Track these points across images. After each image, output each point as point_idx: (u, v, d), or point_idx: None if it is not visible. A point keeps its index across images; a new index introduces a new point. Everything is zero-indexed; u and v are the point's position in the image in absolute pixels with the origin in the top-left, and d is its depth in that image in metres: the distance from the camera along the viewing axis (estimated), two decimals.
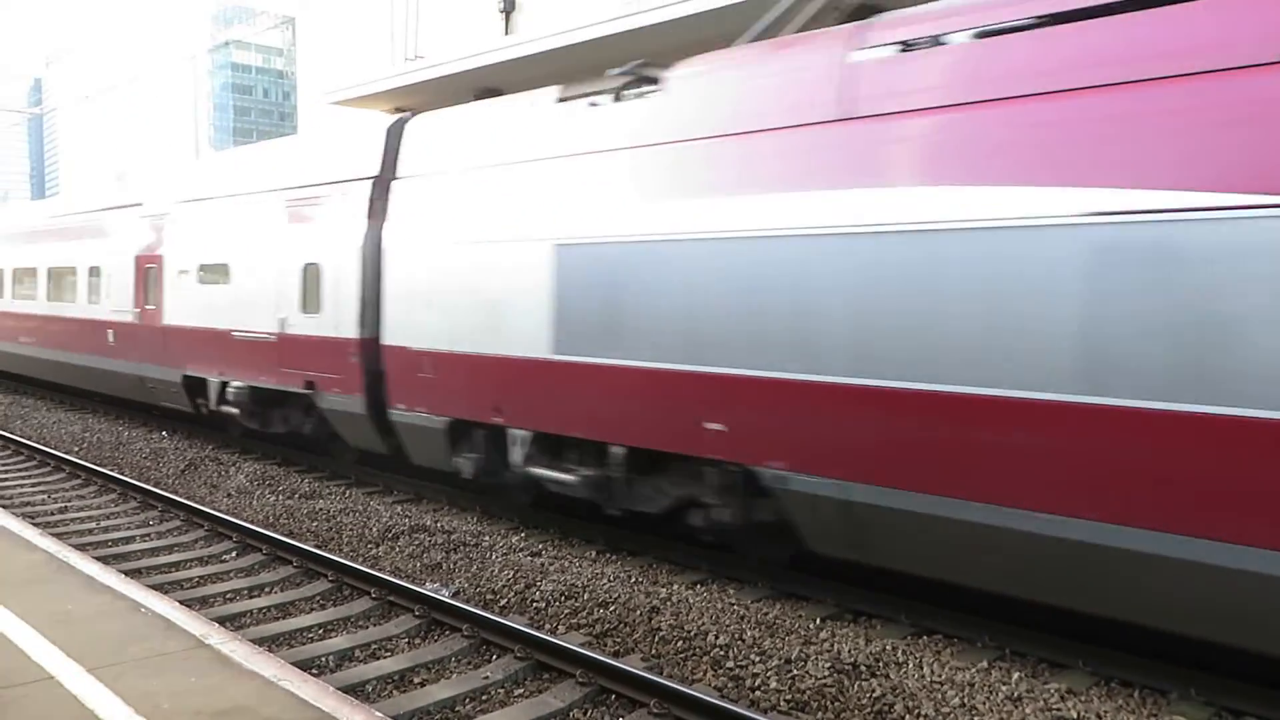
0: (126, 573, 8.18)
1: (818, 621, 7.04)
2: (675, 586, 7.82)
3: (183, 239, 14.37)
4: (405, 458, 10.97)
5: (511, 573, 8.16)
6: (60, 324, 17.93)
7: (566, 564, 8.46)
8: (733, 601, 7.43)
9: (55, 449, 13.59)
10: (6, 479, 12.24)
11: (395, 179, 10.95)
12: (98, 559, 8.34)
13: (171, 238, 14.65)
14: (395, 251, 10.68)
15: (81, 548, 8.89)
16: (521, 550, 8.89)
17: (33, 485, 11.94)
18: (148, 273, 15.10)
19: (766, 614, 7.12)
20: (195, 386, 14.06)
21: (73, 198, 24.63)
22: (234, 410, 13.08)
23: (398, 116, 12.05)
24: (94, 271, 16.74)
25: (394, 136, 11.20)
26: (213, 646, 4.68)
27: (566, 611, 7.34)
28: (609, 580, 7.95)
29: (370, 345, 10.85)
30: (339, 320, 11.17)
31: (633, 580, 8.00)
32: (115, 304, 15.89)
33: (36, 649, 4.58)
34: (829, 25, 8.30)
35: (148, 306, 14.97)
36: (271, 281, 12.18)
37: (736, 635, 6.63)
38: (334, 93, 24.32)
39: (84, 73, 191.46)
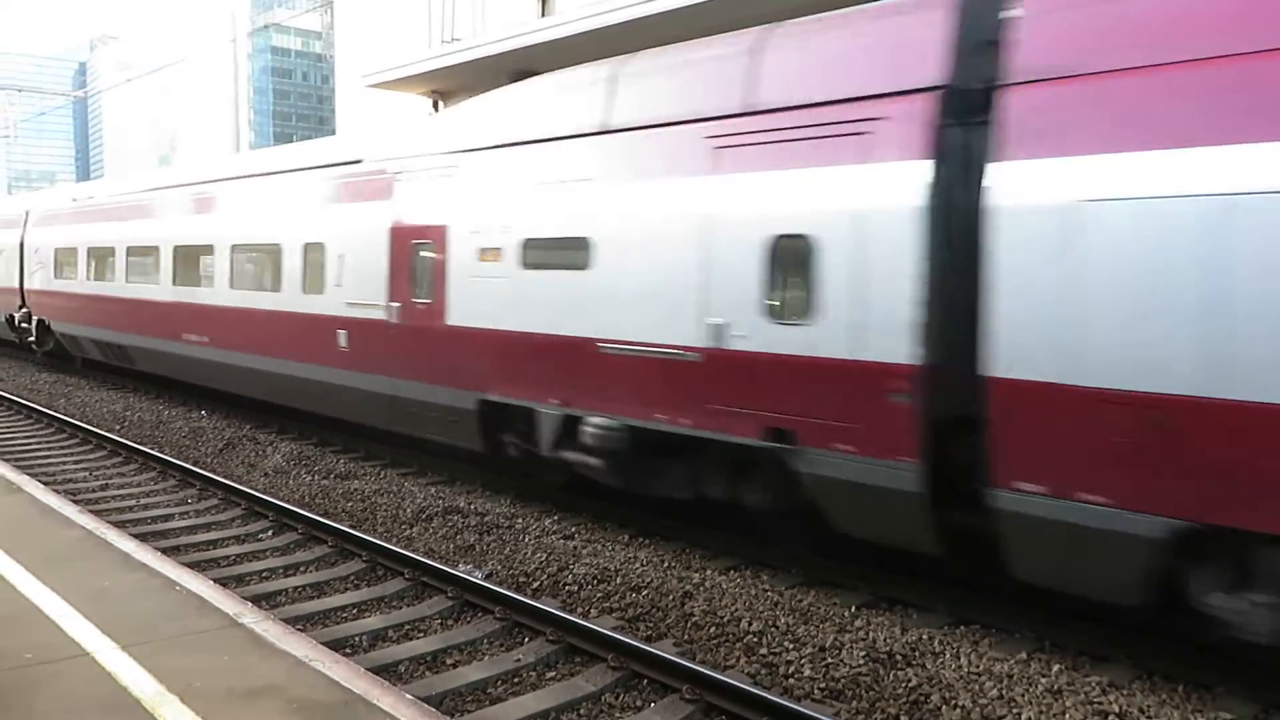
0: (164, 550, 8.27)
1: (852, 609, 6.95)
2: (708, 572, 7.76)
3: (487, 204, 9.83)
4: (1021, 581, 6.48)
5: (544, 555, 8.14)
6: (252, 320, 13.57)
7: (599, 548, 8.43)
8: (766, 588, 7.36)
9: (97, 427, 13.78)
10: (51, 456, 12.43)
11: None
12: (136, 536, 8.48)
13: (462, 202, 10.14)
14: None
15: (120, 525, 8.99)
16: (555, 533, 8.87)
17: (75, 463, 12.12)
18: (414, 253, 10.69)
19: (800, 601, 7.04)
20: (498, 417, 9.86)
21: (214, 160, 23.37)
22: (591, 460, 8.80)
23: None
24: (313, 250, 12.36)
25: None
26: (246, 625, 4.69)
27: (599, 595, 7.31)
28: (642, 565, 7.92)
29: (944, 377, 6.48)
30: (868, 332, 6.75)
31: (666, 565, 7.95)
32: (352, 294, 11.52)
33: (73, 625, 4.62)
34: None
35: (416, 300, 10.56)
36: (697, 266, 7.81)
37: (770, 622, 6.56)
38: (371, 76, 24.39)
39: (127, 57, 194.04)
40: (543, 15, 20.76)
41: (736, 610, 6.79)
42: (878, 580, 7.51)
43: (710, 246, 7.75)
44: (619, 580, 7.51)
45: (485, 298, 9.74)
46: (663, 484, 8.63)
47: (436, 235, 10.39)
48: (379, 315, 11.12)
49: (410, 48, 24.74)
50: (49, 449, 12.95)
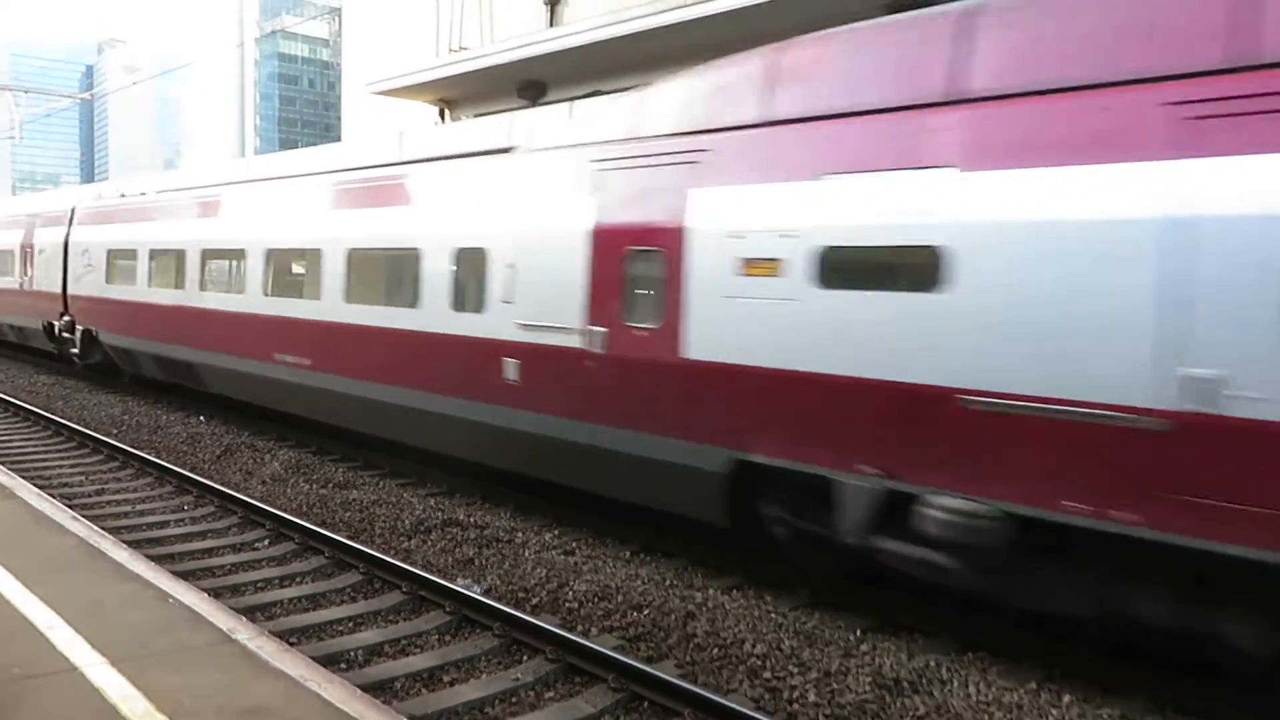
0: (159, 558, 8.15)
1: (858, 633, 6.82)
2: (711, 591, 7.63)
3: (756, 201, 7.40)
4: None
5: (544, 571, 8.02)
6: (374, 341, 11.22)
7: (600, 564, 8.31)
8: (770, 609, 7.23)
9: (95, 431, 13.65)
10: (48, 460, 12.31)
11: None
12: (131, 543, 8.34)
13: (712, 197, 7.70)
14: None
15: (116, 531, 8.89)
16: (555, 548, 8.74)
17: (71, 466, 11.99)
18: (629, 263, 8.32)
19: (805, 623, 6.91)
20: (760, 484, 7.49)
21: (311, 151, 21.16)
22: (935, 556, 6.28)
23: None
24: (468, 258, 10.00)
25: None
26: (239, 642, 4.57)
27: (599, 613, 7.18)
28: (643, 582, 7.79)
29: None
30: None
31: (667, 583, 7.82)
32: (527, 314, 9.17)
33: (62, 638, 4.50)
34: None
35: (632, 324, 8.22)
36: (1165, 290, 5.39)
37: (774, 644, 6.43)
38: (377, 84, 24.39)
39: (134, 60, 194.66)
40: (551, 25, 20.75)
41: (740, 631, 6.67)
42: (884, 603, 7.38)
43: (1184, 260, 5.29)
44: (620, 598, 7.38)
45: (750, 324, 7.28)
46: (1064, 597, 6.09)
47: (668, 240, 7.90)
48: (570, 342, 8.62)
49: (417, 56, 24.75)
50: (45, 452, 12.83)
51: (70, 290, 19.28)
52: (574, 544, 8.89)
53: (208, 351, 14.57)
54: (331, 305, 11.91)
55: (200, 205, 15.59)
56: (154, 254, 16.37)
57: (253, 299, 13.45)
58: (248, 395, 14.26)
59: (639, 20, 15.53)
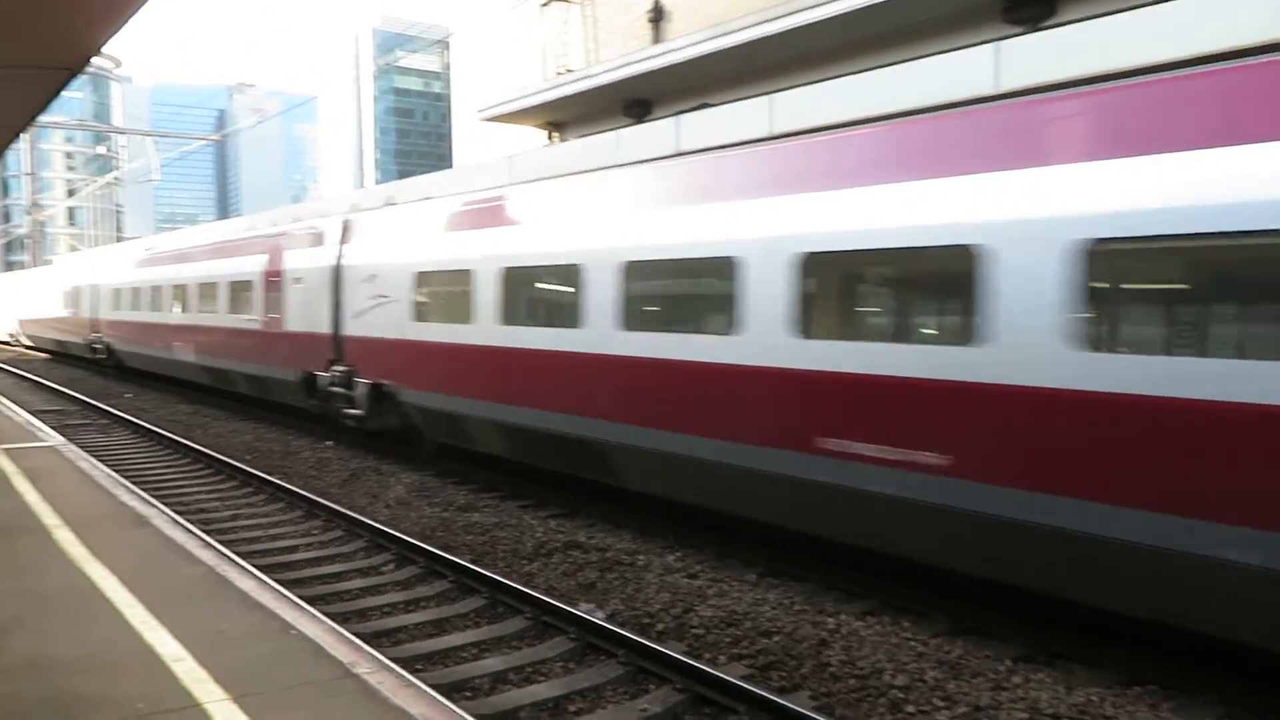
0: (289, 582, 8.29)
1: (1008, 664, 6.36)
2: (843, 617, 7.27)
3: None
4: None
5: (668, 595, 7.80)
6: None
7: (726, 587, 8.03)
8: (909, 636, 6.83)
9: (229, 457, 14.13)
10: (187, 486, 12.77)
11: None
12: (264, 567, 8.52)
13: None
14: None
15: (249, 555, 9.09)
16: (678, 571, 8.52)
17: (208, 492, 12.41)
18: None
19: (948, 652, 6.49)
20: None
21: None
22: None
23: None
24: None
25: None
26: (359, 676, 4.49)
27: (727, 640, 6.92)
28: (771, 607, 7.49)
29: None
30: None
31: (797, 608, 7.50)
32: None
33: (187, 671, 4.50)
34: None
35: None
36: None
37: (916, 675, 6.04)
38: (485, 110, 24.83)
39: (262, 102, 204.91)
40: (655, 42, 20.73)
41: (877, 661, 6.30)
42: (1033, 630, 6.89)
43: None
44: (748, 624, 7.10)
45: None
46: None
47: None
48: None
49: (524, 82, 25.11)
50: (185, 479, 13.32)
51: (347, 331, 14.71)
52: (697, 567, 8.65)
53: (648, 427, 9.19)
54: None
55: (617, 200, 9.92)
56: (510, 275, 11.11)
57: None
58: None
59: (745, 32, 15.31)
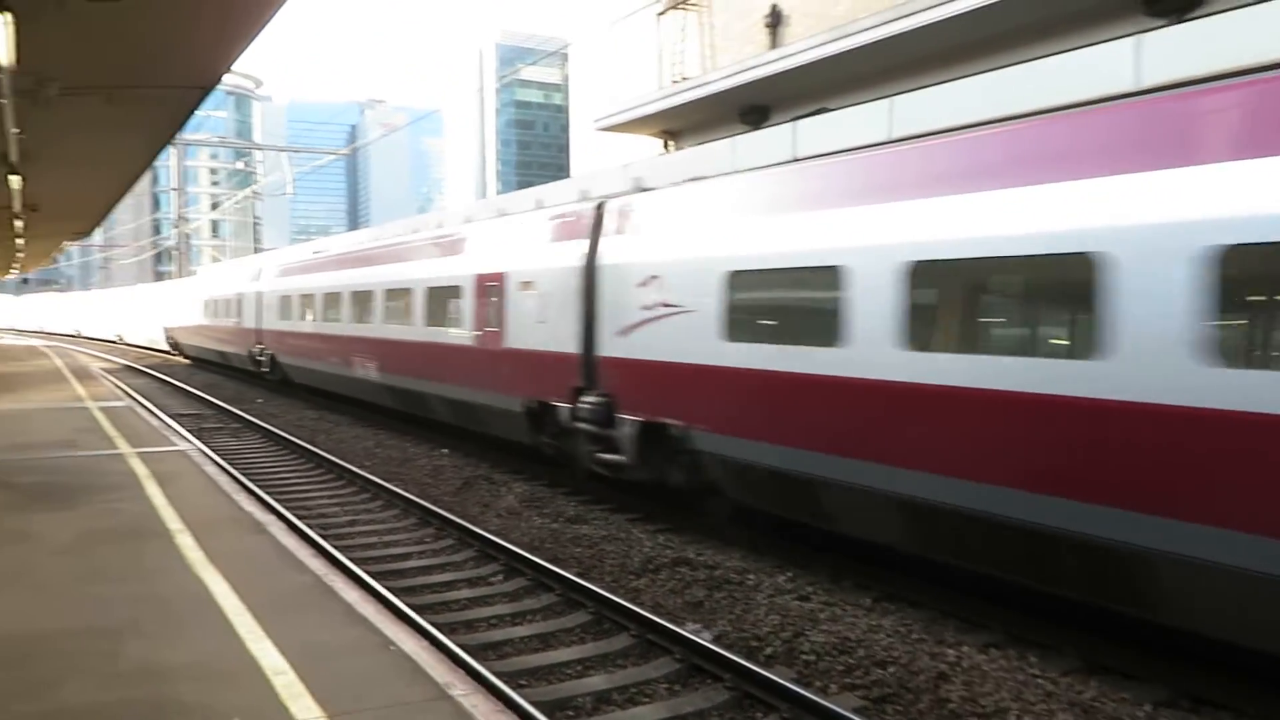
0: (400, 590, 8.38)
1: (1148, 709, 5.85)
2: (965, 648, 6.85)
3: None
4: None
5: (778, 618, 7.53)
6: None
7: (838, 612, 7.71)
8: (1036, 673, 6.37)
9: (349, 463, 14.49)
10: (309, 490, 13.15)
11: None
12: (375, 574, 8.65)
13: None
14: None
15: (363, 561, 9.25)
16: (789, 592, 8.22)
17: (329, 497, 12.74)
18: None
19: (1081, 693, 6.02)
20: None
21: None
22: None
23: None
24: None
25: None
26: (454, 699, 4.42)
27: (839, 668, 6.61)
28: (887, 634, 7.13)
29: None
30: None
31: (914, 636, 7.11)
32: None
33: (285, 686, 4.51)
34: None
35: None
36: None
37: (1044, 718, 5.62)
38: (601, 120, 24.97)
39: (391, 117, 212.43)
40: (772, 47, 20.44)
41: (1001, 699, 5.89)
42: (1176, 671, 6.34)
43: None
44: (861, 652, 6.77)
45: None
46: None
47: None
48: None
49: (640, 90, 25.14)
50: (307, 484, 13.72)
51: (605, 350, 11.18)
52: (809, 588, 8.33)
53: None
54: None
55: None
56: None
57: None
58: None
59: (867, 34, 14.89)
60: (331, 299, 20.94)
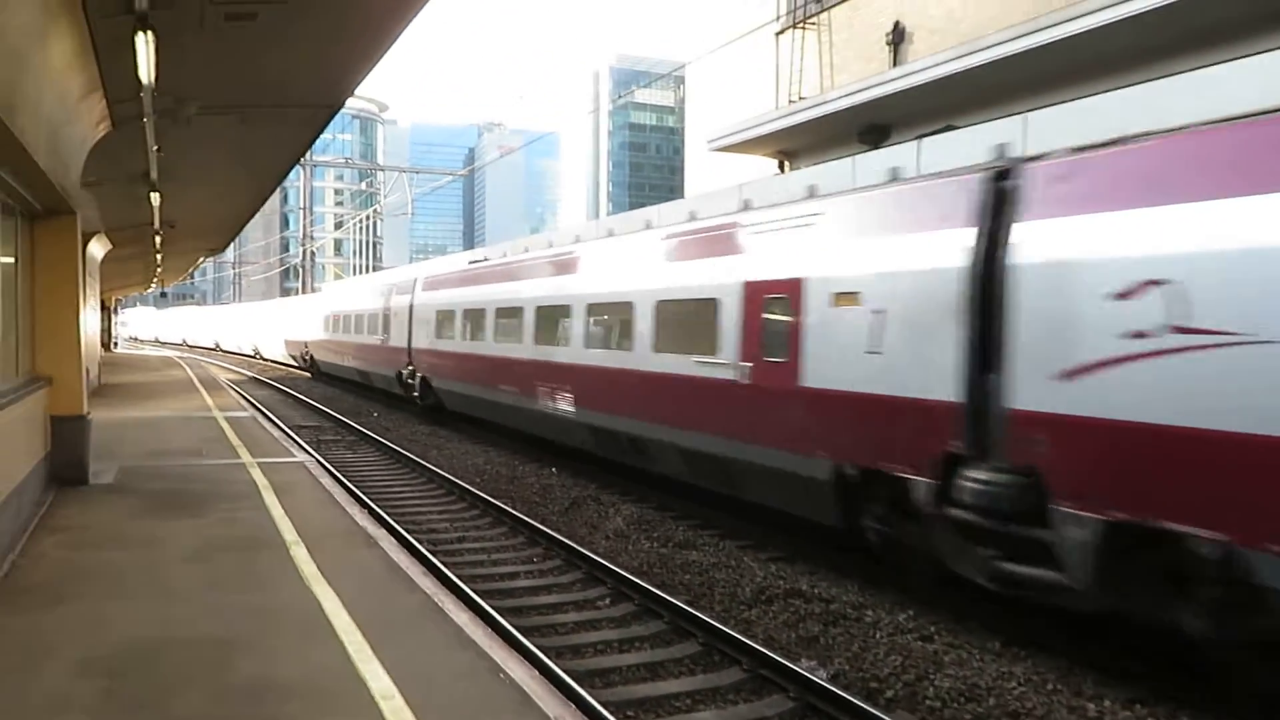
0: (507, 610, 8.28)
1: None
2: (1106, 703, 6.33)
3: None
4: None
5: (899, 659, 7.12)
6: None
7: (964, 655, 7.25)
8: None
9: (460, 479, 14.59)
10: (421, 506, 13.27)
11: None
12: (482, 593, 8.58)
13: None
14: None
15: (470, 579, 9.21)
16: (910, 631, 7.79)
17: (439, 512, 12.82)
18: None
19: None
20: None
21: None
22: None
23: None
24: None
25: None
26: None
27: (967, 717, 6.17)
28: (1019, 683, 6.65)
29: None
30: None
31: (1049, 687, 6.62)
32: None
33: (393, 712, 4.40)
34: None
35: None
36: None
37: None
38: (717, 139, 24.80)
39: (508, 140, 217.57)
40: (894, 65, 19.94)
41: None
42: None
43: None
44: (992, 701, 6.33)
45: None
46: None
47: None
48: None
49: (754, 111, 24.90)
50: (419, 497, 13.86)
51: (1023, 402, 7.12)
52: (932, 628, 7.88)
53: None
54: None
55: None
56: None
57: None
58: None
59: (998, 48, 14.32)
60: (508, 314, 17.57)
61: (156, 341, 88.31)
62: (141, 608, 6.17)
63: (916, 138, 13.07)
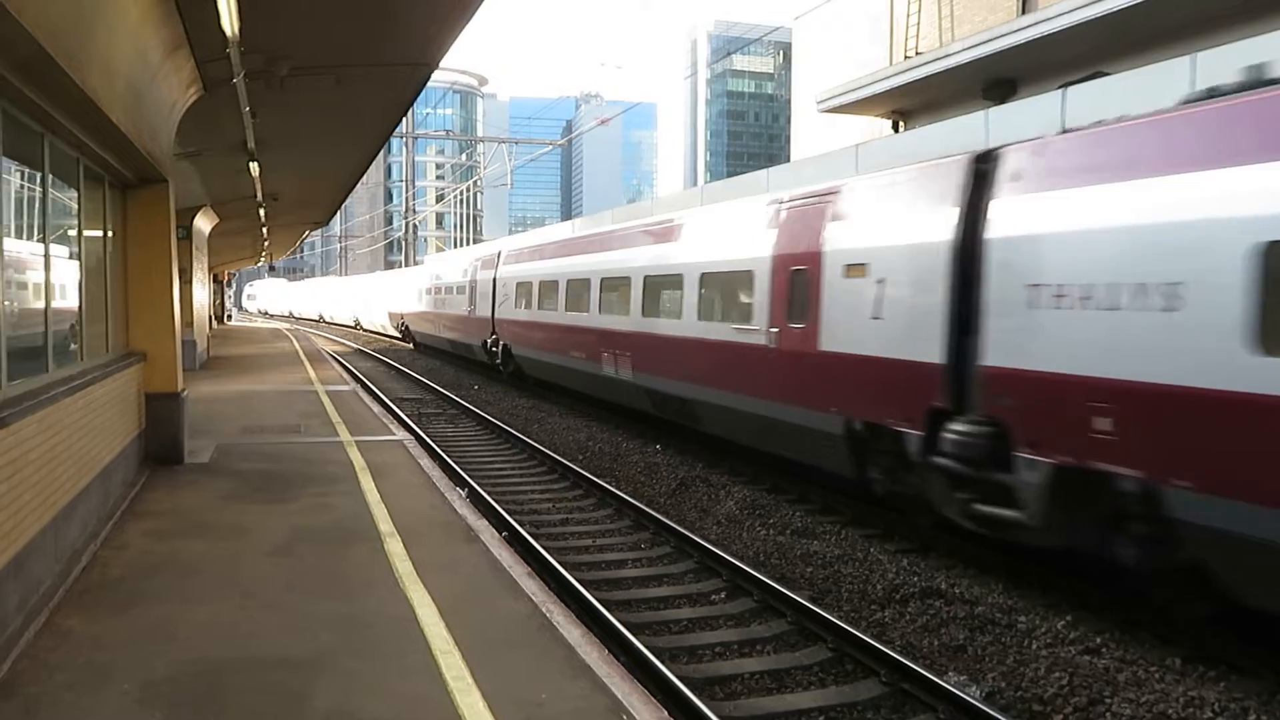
0: (615, 604, 7.64)
1: None
2: None
3: None
4: None
5: (1064, 676, 6.21)
6: None
7: (1141, 673, 6.28)
8: None
9: (562, 456, 14.03)
10: (522, 484, 12.75)
11: None
12: (588, 583, 7.95)
13: None
14: None
15: (575, 567, 8.60)
16: (1072, 643, 6.84)
17: (541, 492, 12.27)
18: None
19: None
20: None
21: None
22: None
23: None
24: None
25: None
26: None
27: None
28: (1214, 711, 5.69)
29: None
30: None
31: (1252, 717, 5.62)
32: None
33: None
34: None
35: None
36: None
37: None
38: (826, 100, 23.55)
39: (604, 111, 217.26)
40: (1023, 13, 18.40)
41: None
42: None
43: None
44: None
45: None
46: None
47: None
48: None
49: (867, 70, 23.56)
50: (520, 475, 13.35)
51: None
52: (1098, 639, 6.90)
53: None
54: None
55: None
56: None
57: None
58: None
59: None
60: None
61: (264, 314, 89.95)
62: (216, 615, 5.58)
63: (1061, 86, 11.80)
